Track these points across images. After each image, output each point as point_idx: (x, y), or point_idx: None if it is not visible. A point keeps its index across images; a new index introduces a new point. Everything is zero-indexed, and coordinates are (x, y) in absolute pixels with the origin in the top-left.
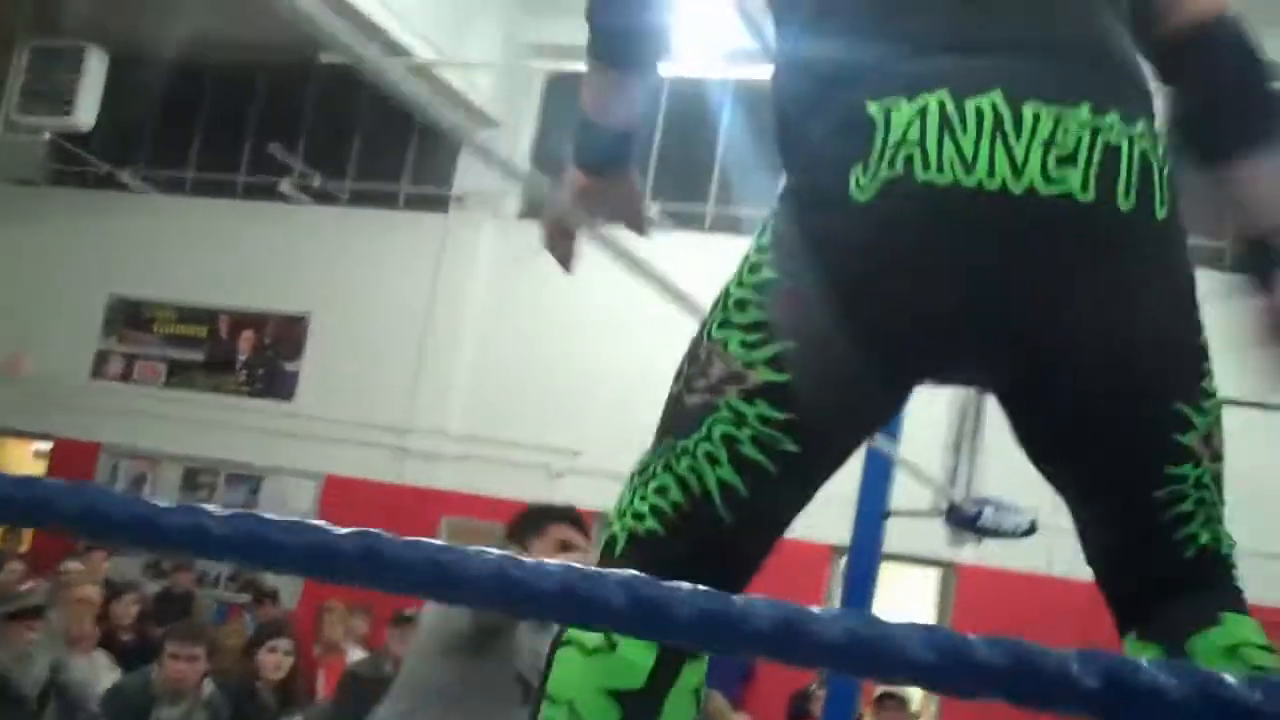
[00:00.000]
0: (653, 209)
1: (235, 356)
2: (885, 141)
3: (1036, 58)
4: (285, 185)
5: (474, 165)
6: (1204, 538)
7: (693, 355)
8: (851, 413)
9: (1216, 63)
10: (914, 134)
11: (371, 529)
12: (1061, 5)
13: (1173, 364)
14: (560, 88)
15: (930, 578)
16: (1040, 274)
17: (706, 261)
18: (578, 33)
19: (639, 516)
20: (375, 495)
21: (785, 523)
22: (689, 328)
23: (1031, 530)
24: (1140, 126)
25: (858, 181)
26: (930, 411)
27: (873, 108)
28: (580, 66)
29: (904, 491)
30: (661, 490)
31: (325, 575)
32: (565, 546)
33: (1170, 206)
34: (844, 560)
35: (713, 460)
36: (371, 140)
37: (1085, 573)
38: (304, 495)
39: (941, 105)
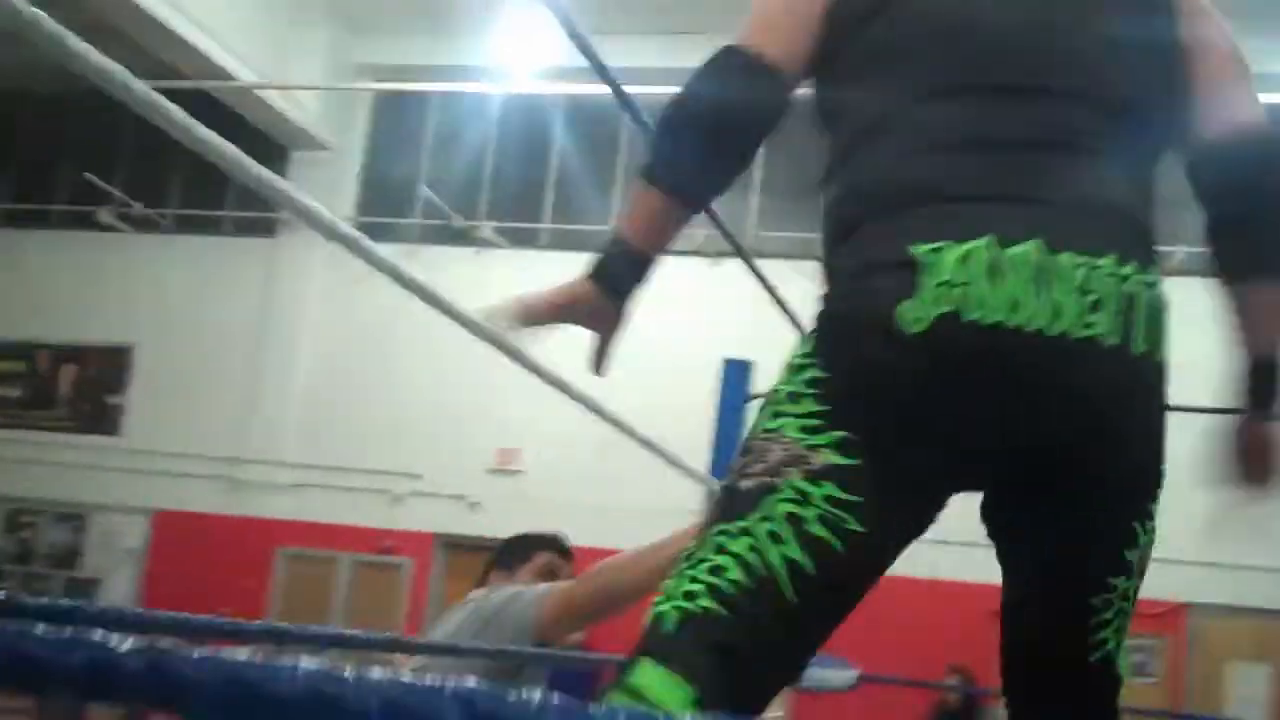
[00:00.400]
0: (487, 228)
1: (56, 392)
2: (934, 281)
3: (1069, 211)
4: (104, 214)
5: (302, 188)
6: (1110, 644)
7: (743, 450)
8: (909, 504)
9: (1243, 177)
10: (961, 276)
11: (160, 645)
12: (1087, 164)
13: (1143, 487)
14: (388, 108)
15: None
16: (1070, 406)
17: (542, 279)
18: (404, 53)
19: (691, 596)
20: (208, 528)
21: (849, 605)
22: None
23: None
24: (1151, 276)
25: (907, 315)
26: None
27: (923, 249)
28: (406, 86)
29: None
30: (717, 570)
31: (104, 698)
32: (550, 573)
33: (1166, 349)
34: None
35: (776, 539)
36: (194, 165)
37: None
38: (134, 532)
39: (987, 250)
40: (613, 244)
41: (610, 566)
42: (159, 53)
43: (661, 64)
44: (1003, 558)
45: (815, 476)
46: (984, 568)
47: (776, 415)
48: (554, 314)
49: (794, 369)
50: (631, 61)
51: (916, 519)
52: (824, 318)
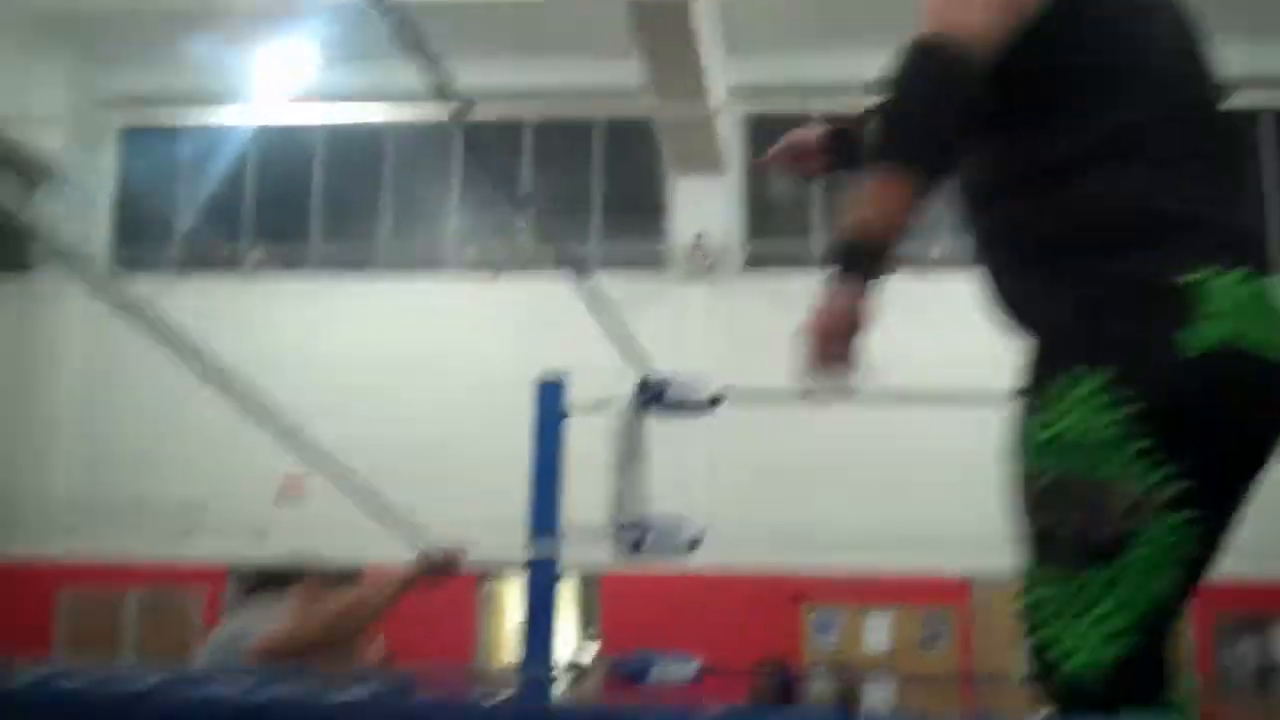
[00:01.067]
0: (254, 254)
1: None
2: (1206, 310)
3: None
4: None
5: (52, 222)
6: None
7: (1068, 493)
8: (1231, 511)
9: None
10: (1229, 307)
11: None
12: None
13: None
14: (139, 137)
15: (567, 588)
16: None
17: (315, 299)
18: (147, 81)
19: (1095, 648)
20: None
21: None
22: (313, 366)
23: (695, 545)
24: None
25: (1187, 341)
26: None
27: (1192, 277)
28: (149, 115)
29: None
30: (1104, 618)
31: None
32: (314, 599)
33: None
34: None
35: (1151, 570)
36: None
37: (717, 567)
38: None
39: (1246, 280)
40: (864, 242)
41: (337, 603)
42: None
43: (416, 85)
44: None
45: (1166, 508)
46: (777, 558)
47: (1098, 467)
48: (857, 333)
49: (1098, 404)
50: (389, 84)
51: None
52: (1118, 347)
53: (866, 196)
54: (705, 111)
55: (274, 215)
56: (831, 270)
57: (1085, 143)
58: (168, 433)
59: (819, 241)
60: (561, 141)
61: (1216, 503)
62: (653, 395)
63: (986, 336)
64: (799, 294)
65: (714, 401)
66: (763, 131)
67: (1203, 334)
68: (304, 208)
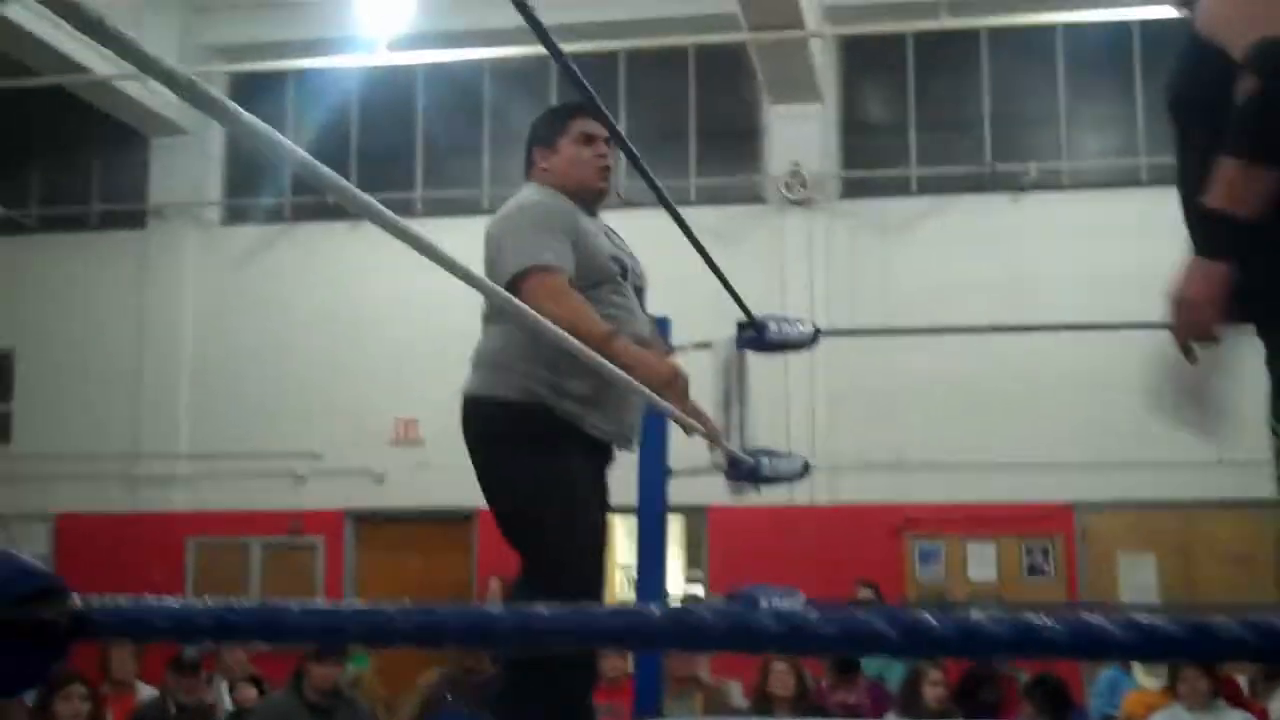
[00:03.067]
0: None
1: None
2: None
3: None
4: None
5: (166, 176)
6: None
7: None
8: None
9: None
10: None
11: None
12: None
13: None
14: (246, 87)
15: (675, 522)
16: None
17: (404, 247)
18: (255, 30)
19: None
20: (111, 528)
21: None
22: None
23: (806, 471)
24: None
25: None
26: (699, 378)
27: None
28: (261, 65)
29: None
30: None
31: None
32: (588, 139)
33: None
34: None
35: None
36: (52, 163)
37: (821, 499)
38: (37, 539)
39: None
40: (1224, 223)
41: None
42: (10, 51)
43: (515, 24)
44: None
45: None
46: (878, 490)
47: None
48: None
49: None
50: (493, 23)
51: None
52: None
53: (1238, 182)
54: (799, 36)
55: (377, 161)
56: (1200, 245)
57: None
58: (281, 382)
59: (915, 168)
60: (655, 73)
61: None
62: (754, 334)
63: (1103, 261)
64: (896, 221)
65: (814, 338)
66: (857, 55)
67: None
68: (407, 153)
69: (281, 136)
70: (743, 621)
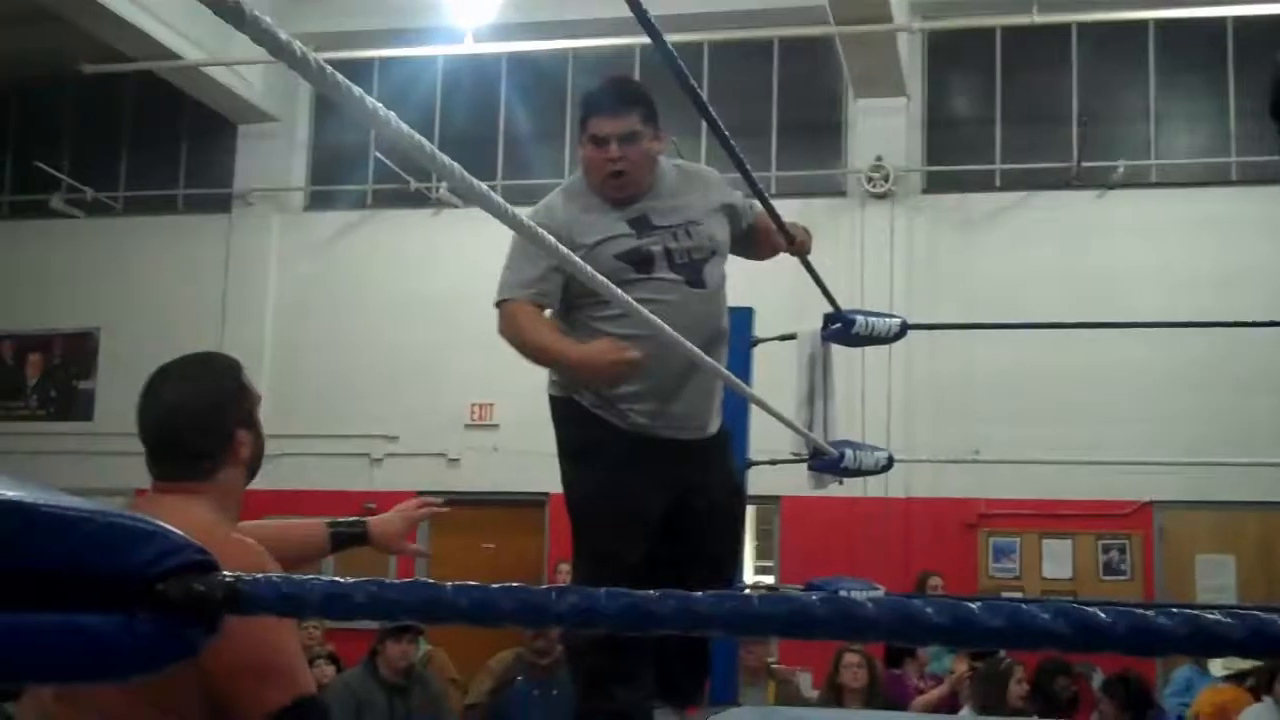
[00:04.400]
0: (441, 188)
1: (24, 381)
2: None
3: None
4: (55, 200)
5: (252, 161)
6: None
7: None
8: None
9: None
10: None
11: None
12: None
13: None
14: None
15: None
16: None
17: (499, 235)
18: (343, 19)
19: None
20: None
21: None
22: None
23: (890, 465)
24: None
25: None
26: (778, 368)
27: None
28: (351, 53)
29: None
30: None
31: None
32: (597, 142)
33: None
34: None
35: None
36: (140, 147)
37: (895, 492)
38: None
39: None
40: None
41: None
42: (101, 36)
43: (607, 14)
44: None
45: None
46: (953, 484)
47: None
48: None
49: None
50: (576, 14)
51: None
52: None
53: None
54: (886, 30)
55: (459, 150)
56: None
57: None
58: (357, 366)
59: (1000, 164)
60: (740, 65)
61: None
62: (841, 327)
63: (1189, 259)
64: (978, 216)
65: (901, 332)
66: (944, 49)
67: None
68: (489, 142)
69: (394, 115)
70: (902, 609)
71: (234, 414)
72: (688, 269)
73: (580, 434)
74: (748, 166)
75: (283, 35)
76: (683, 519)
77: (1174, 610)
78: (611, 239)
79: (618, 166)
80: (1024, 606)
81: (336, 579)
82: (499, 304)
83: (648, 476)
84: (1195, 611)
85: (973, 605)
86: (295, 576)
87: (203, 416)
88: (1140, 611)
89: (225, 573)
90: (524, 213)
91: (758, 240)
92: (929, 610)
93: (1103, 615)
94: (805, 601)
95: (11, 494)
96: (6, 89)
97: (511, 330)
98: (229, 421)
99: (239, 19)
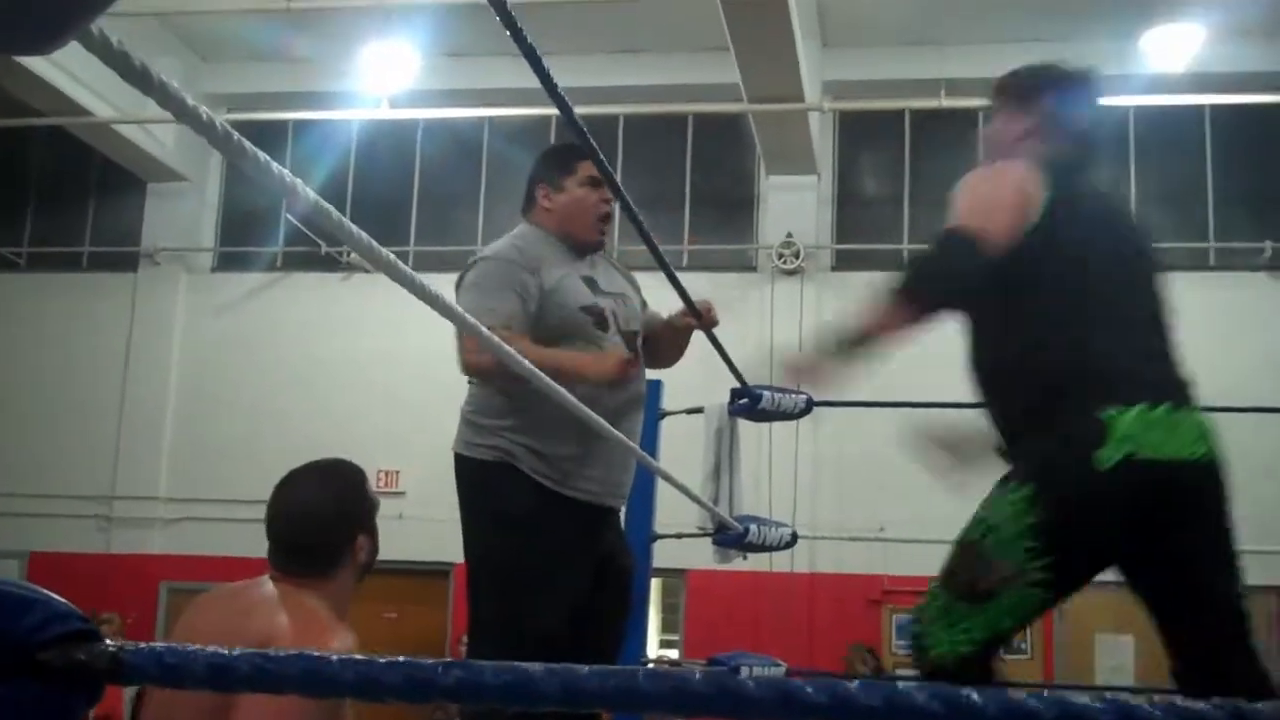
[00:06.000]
0: (353, 252)
1: None
2: (1123, 433)
3: (1182, 372)
4: None
5: (161, 220)
6: None
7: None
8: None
9: None
10: (1140, 428)
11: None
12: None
13: None
14: (244, 136)
15: (653, 586)
16: (1214, 502)
17: (410, 300)
18: (255, 81)
19: (952, 645)
20: (85, 567)
21: None
22: (386, 370)
23: (794, 541)
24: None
25: (1100, 457)
26: (685, 441)
27: (1117, 413)
28: (258, 115)
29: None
30: (963, 631)
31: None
32: (595, 184)
33: None
34: None
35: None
36: (47, 202)
37: (800, 567)
38: (8, 575)
39: (1160, 415)
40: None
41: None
42: (12, 89)
43: (524, 84)
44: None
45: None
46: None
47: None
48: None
49: (1021, 510)
50: (488, 83)
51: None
52: (1041, 465)
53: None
54: (798, 108)
55: (373, 214)
56: None
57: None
58: (262, 430)
59: (908, 243)
60: (654, 139)
61: (1069, 585)
62: (748, 402)
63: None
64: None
65: (808, 408)
66: (855, 129)
67: (1111, 454)
68: (403, 206)
69: (301, 183)
70: (781, 688)
71: (357, 520)
72: (626, 338)
73: (518, 501)
74: (653, 240)
75: (189, 99)
76: (601, 586)
77: (1043, 694)
78: (574, 282)
79: (609, 209)
80: (900, 687)
81: (219, 649)
82: (489, 328)
83: (585, 550)
84: (1061, 694)
85: (851, 685)
86: (176, 646)
87: (330, 520)
88: (1011, 694)
89: (108, 641)
90: (434, 279)
91: (657, 338)
92: (808, 690)
93: (976, 697)
94: (687, 678)
95: None
96: None
97: (479, 352)
98: (352, 527)
99: (146, 83)
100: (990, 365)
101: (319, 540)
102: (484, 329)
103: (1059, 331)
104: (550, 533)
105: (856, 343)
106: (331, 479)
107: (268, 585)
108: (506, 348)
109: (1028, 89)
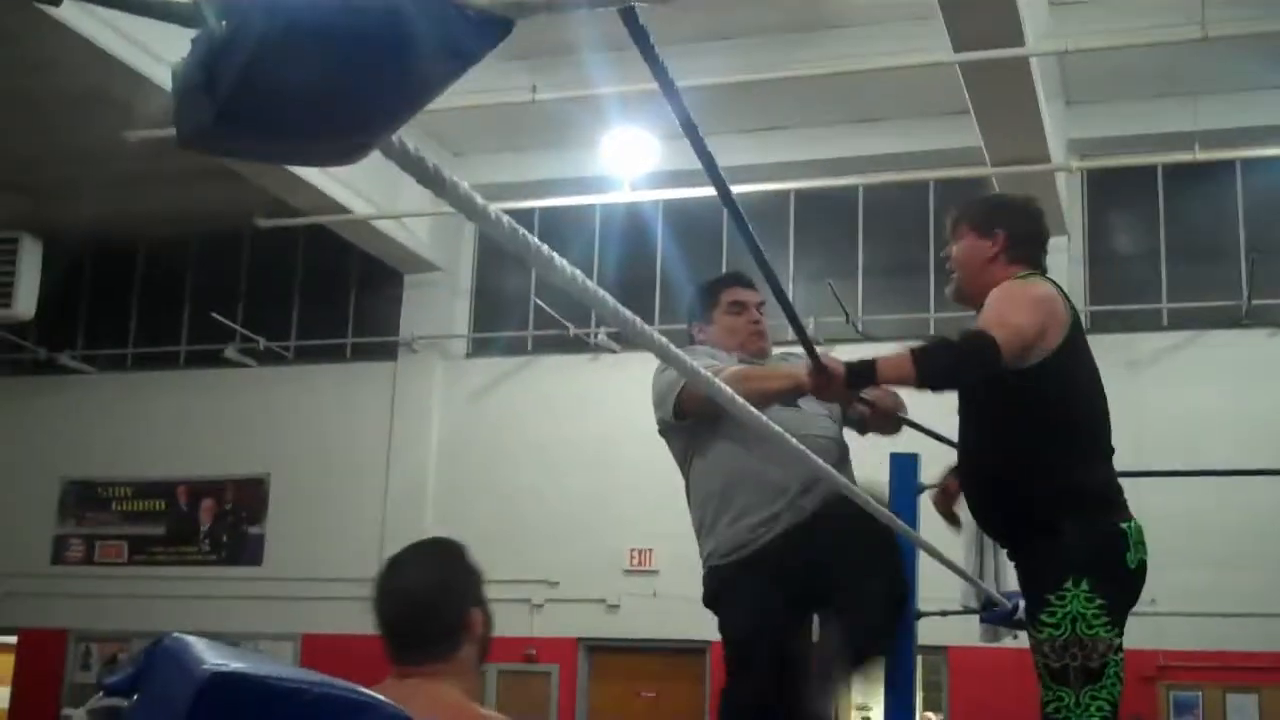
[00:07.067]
0: (600, 334)
1: (197, 526)
2: (1134, 540)
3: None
4: (229, 350)
5: (417, 309)
6: None
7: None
8: None
9: None
10: (1139, 538)
11: None
12: None
13: None
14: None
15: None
16: None
17: (641, 377)
18: (498, 172)
19: None
20: (356, 648)
21: None
22: (636, 449)
23: None
24: None
25: (1129, 559)
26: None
27: (1127, 525)
28: (511, 204)
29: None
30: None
31: None
32: (740, 308)
33: None
34: None
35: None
36: (310, 297)
37: None
38: (283, 657)
39: (1138, 527)
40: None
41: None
42: (276, 191)
43: (767, 160)
44: None
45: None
46: (1130, 635)
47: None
48: None
49: (1089, 601)
50: (731, 160)
51: None
52: (1084, 565)
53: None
54: (1044, 169)
55: (618, 294)
56: None
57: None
58: (517, 511)
59: (1166, 302)
60: (896, 208)
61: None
62: None
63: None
64: (1145, 356)
65: None
66: (1104, 188)
67: (1134, 556)
68: (647, 285)
69: (576, 270)
70: None
71: (468, 595)
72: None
73: (723, 593)
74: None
75: (478, 199)
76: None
77: None
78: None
79: (760, 327)
80: None
81: None
82: (685, 384)
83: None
84: None
85: None
86: None
87: (440, 600)
88: None
89: None
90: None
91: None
92: None
93: None
94: None
95: (237, 665)
96: (187, 242)
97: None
98: (465, 602)
99: (440, 185)
100: (1000, 468)
101: (432, 624)
102: (711, 375)
103: (1072, 452)
104: (754, 606)
105: (864, 375)
106: (434, 559)
107: (405, 685)
108: (722, 385)
109: (987, 216)
